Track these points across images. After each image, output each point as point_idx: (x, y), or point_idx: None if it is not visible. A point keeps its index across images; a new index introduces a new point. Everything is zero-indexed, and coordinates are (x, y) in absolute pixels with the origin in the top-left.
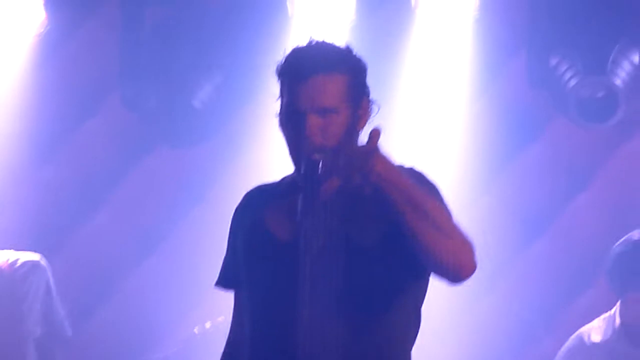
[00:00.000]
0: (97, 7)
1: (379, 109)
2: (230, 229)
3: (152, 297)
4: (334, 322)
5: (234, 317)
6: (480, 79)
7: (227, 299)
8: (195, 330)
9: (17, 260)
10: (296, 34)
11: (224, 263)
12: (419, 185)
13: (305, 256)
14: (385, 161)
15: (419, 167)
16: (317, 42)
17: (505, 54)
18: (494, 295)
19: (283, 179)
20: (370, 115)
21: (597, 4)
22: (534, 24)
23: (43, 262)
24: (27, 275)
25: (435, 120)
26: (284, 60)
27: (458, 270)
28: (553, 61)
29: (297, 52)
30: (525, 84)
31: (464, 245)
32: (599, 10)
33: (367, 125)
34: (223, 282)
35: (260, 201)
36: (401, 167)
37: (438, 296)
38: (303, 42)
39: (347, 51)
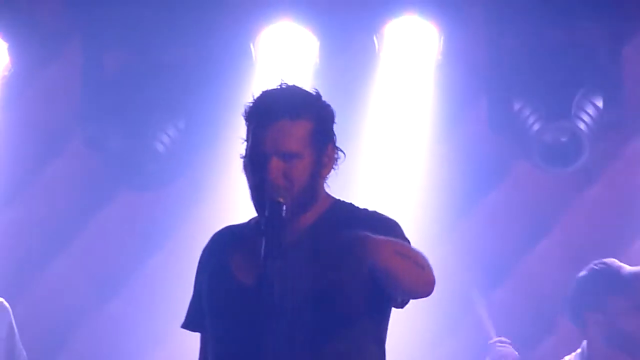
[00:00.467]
0: (59, 51)
1: (344, 156)
2: (197, 270)
3: (112, 343)
4: None
5: (200, 355)
6: (442, 123)
7: (191, 343)
8: None
9: None
10: (260, 78)
11: (190, 305)
12: (385, 230)
13: (268, 300)
14: (379, 246)
15: (380, 211)
16: (286, 87)
17: (468, 98)
18: (454, 340)
19: (250, 221)
20: (335, 162)
21: (560, 50)
22: (496, 69)
23: (6, 304)
24: None
25: (396, 164)
26: (251, 103)
27: (428, 287)
28: (516, 106)
29: (265, 96)
30: (487, 129)
31: (429, 267)
32: (561, 55)
33: (332, 171)
34: (189, 324)
35: (226, 243)
36: (364, 211)
37: (396, 342)
38: (272, 86)
39: (315, 97)
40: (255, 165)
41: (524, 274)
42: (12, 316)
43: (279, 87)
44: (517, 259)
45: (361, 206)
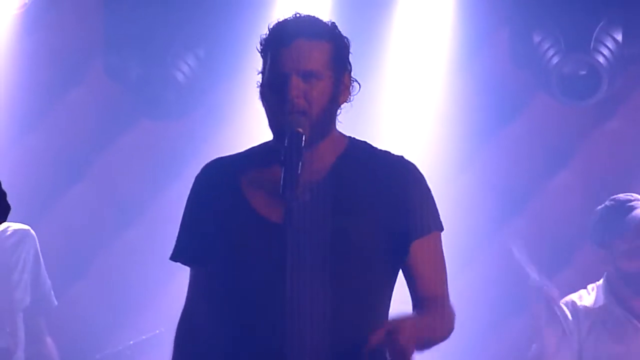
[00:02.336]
0: None
1: (360, 88)
2: (193, 201)
3: (129, 271)
4: (323, 304)
5: (191, 291)
6: (463, 55)
7: None
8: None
9: (7, 229)
10: (280, 8)
11: (182, 236)
12: (403, 184)
13: (291, 234)
14: (409, 338)
15: (408, 157)
16: (302, 14)
17: (488, 31)
18: (472, 273)
19: (250, 151)
20: (351, 92)
21: None
22: (516, 1)
23: (32, 232)
24: (17, 245)
25: (417, 96)
26: (268, 31)
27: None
28: (536, 38)
29: (281, 22)
30: (507, 62)
31: (452, 324)
32: None
33: (348, 102)
34: (182, 257)
35: (232, 173)
36: (389, 154)
37: None
38: (287, 15)
39: (332, 24)
40: (275, 87)
41: (543, 204)
42: (37, 244)
43: (294, 15)
44: (536, 190)
45: (377, 145)
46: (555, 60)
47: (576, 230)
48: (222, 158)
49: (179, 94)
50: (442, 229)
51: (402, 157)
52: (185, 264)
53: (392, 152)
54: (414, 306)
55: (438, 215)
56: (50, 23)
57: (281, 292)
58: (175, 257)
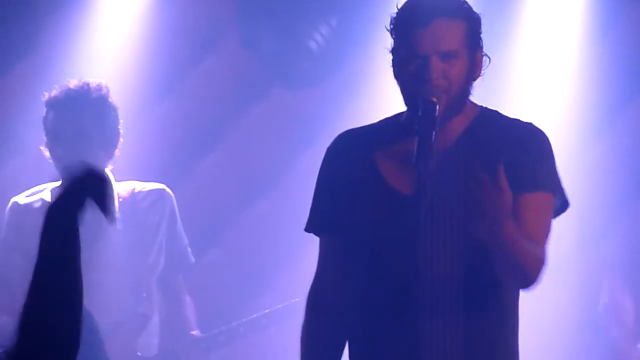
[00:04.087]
0: None
1: (489, 62)
2: (325, 172)
3: (263, 240)
4: (456, 280)
5: (323, 261)
6: (597, 26)
7: None
8: None
9: (142, 190)
10: None
11: (317, 207)
12: (530, 150)
13: (422, 205)
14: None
15: (536, 124)
16: None
17: (619, 3)
18: (601, 251)
19: (382, 123)
20: (482, 68)
21: None
22: None
23: (168, 190)
24: (152, 206)
25: (550, 67)
26: (400, 10)
27: (523, 283)
28: None
29: (413, 1)
30: (637, 35)
31: (539, 263)
32: None
33: (480, 77)
34: (318, 227)
35: (364, 144)
36: (518, 121)
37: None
38: None
39: (464, 1)
40: (414, 67)
41: None
42: (174, 202)
43: None
44: None
45: (509, 115)
46: None
47: None
48: (354, 129)
49: (312, 63)
50: (554, 193)
51: (530, 123)
52: (318, 235)
53: (522, 119)
54: None
55: (555, 179)
56: None
57: (413, 263)
58: (309, 227)
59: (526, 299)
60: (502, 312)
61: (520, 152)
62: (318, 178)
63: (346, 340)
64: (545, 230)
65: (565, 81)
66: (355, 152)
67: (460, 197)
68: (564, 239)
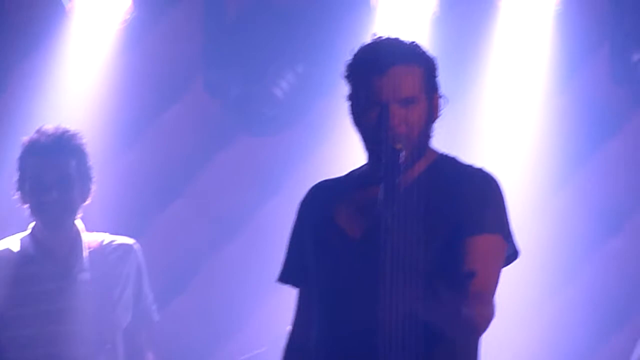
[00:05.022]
0: None
1: (447, 104)
2: (296, 223)
3: (228, 287)
4: (413, 319)
5: (297, 316)
6: (562, 73)
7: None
8: (289, 328)
9: (111, 243)
10: (379, 25)
11: (287, 258)
12: (481, 201)
13: (384, 248)
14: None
15: (488, 169)
16: (386, 38)
17: (588, 48)
18: (569, 291)
19: (349, 174)
20: (440, 110)
21: None
22: (616, 19)
23: (136, 245)
24: (120, 259)
25: (515, 114)
26: (355, 57)
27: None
28: (635, 57)
29: (368, 47)
30: (607, 79)
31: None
32: None
33: (437, 119)
34: (287, 278)
35: (329, 196)
36: (470, 167)
37: (512, 291)
38: (369, 40)
39: (417, 44)
40: (373, 115)
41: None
42: (141, 258)
43: (377, 39)
44: (634, 208)
45: (466, 161)
46: None
47: None
48: (324, 181)
49: (277, 111)
50: (503, 234)
51: (481, 168)
52: (289, 284)
53: (474, 165)
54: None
55: (504, 223)
56: (151, 39)
57: (372, 305)
58: (280, 279)
59: (491, 342)
60: (462, 350)
61: (467, 195)
62: (291, 229)
63: None
64: (494, 275)
65: (530, 128)
66: (319, 205)
67: (415, 238)
68: (530, 285)
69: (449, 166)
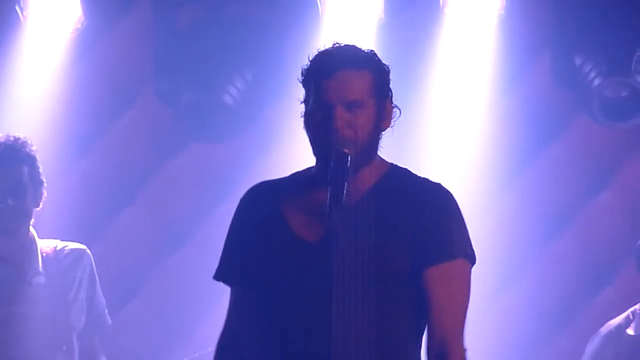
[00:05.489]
0: (130, 5)
1: (400, 113)
2: (236, 222)
3: (179, 291)
4: (365, 320)
5: (231, 311)
6: (505, 77)
7: None
8: None
9: (63, 248)
10: (326, 32)
11: (225, 257)
12: (437, 217)
13: (334, 253)
14: None
15: (445, 185)
16: (342, 44)
17: (530, 53)
18: (515, 291)
19: (293, 176)
20: (392, 118)
21: (621, 5)
22: (559, 24)
23: (88, 251)
24: (73, 264)
25: (460, 117)
26: (310, 62)
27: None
28: (577, 61)
29: (322, 53)
30: (549, 84)
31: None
32: (622, 11)
33: (389, 127)
34: (225, 276)
35: (275, 195)
36: (427, 181)
37: None
38: (327, 45)
39: (372, 52)
40: (319, 117)
41: (584, 224)
42: (93, 264)
43: (333, 45)
44: (577, 210)
45: (418, 173)
46: (596, 82)
47: (618, 250)
48: (267, 182)
49: (227, 118)
50: (468, 258)
51: (439, 184)
52: (226, 284)
53: (431, 179)
54: (427, 344)
55: (466, 243)
56: (101, 48)
57: (323, 311)
58: (217, 276)
59: None
60: (409, 351)
61: (424, 218)
62: (229, 228)
63: None
64: (466, 302)
65: (474, 132)
66: (264, 204)
67: (367, 248)
68: (475, 285)
69: (404, 178)
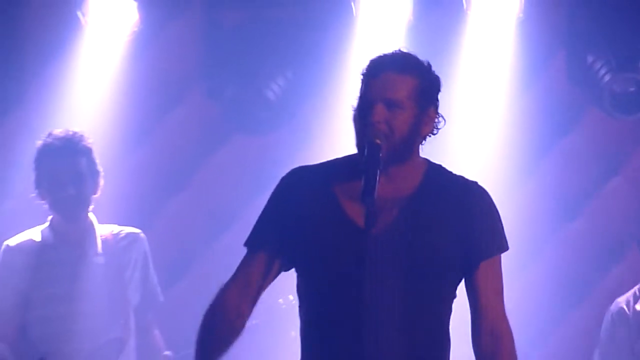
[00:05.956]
0: (181, 10)
1: (445, 123)
2: (277, 198)
3: (224, 272)
4: (395, 307)
5: (246, 273)
6: (524, 75)
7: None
8: (280, 301)
9: (120, 232)
10: (360, 33)
11: (260, 226)
12: (485, 214)
13: (373, 239)
14: None
15: (481, 184)
16: (399, 51)
17: (546, 53)
18: (533, 270)
19: (335, 161)
20: (434, 126)
21: (628, 8)
22: (572, 26)
23: (142, 234)
24: (129, 247)
25: (482, 113)
26: (368, 63)
27: None
28: (589, 59)
29: (377, 56)
30: (564, 80)
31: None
32: (630, 12)
33: (431, 134)
34: (256, 243)
35: (324, 178)
36: (464, 179)
37: None
38: (385, 51)
39: (424, 62)
40: (362, 111)
41: (596, 208)
42: (147, 246)
43: (391, 52)
44: (590, 196)
45: (448, 167)
46: (606, 78)
47: (627, 232)
48: (307, 166)
49: (269, 112)
50: (507, 250)
51: (476, 182)
52: (254, 250)
53: (466, 177)
54: (473, 314)
55: (504, 237)
56: (155, 49)
57: (364, 288)
58: (251, 243)
59: (463, 320)
60: (437, 334)
61: (472, 218)
62: (270, 201)
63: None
64: (502, 283)
65: (496, 126)
66: (313, 185)
67: (409, 241)
68: (505, 263)
69: (444, 177)
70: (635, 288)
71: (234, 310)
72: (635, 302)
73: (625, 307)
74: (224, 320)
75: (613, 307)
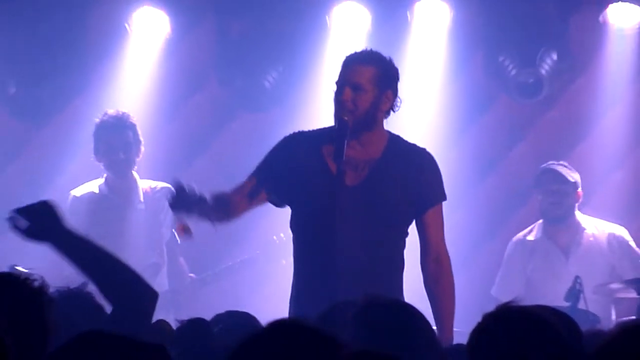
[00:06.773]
0: (200, 21)
1: (401, 103)
2: (282, 147)
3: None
4: (364, 232)
5: (244, 185)
6: (453, 69)
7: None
8: (274, 237)
9: (156, 186)
10: (333, 40)
11: (260, 165)
12: (430, 171)
13: (349, 188)
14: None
15: (429, 150)
16: (367, 49)
17: (469, 53)
18: (459, 215)
19: (323, 130)
20: (392, 105)
21: (531, 19)
22: (488, 33)
23: (172, 188)
24: (163, 196)
25: (424, 96)
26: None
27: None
28: (500, 58)
29: (351, 53)
30: (481, 74)
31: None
32: (532, 23)
33: (390, 111)
34: (254, 172)
35: (313, 140)
36: (418, 147)
37: (453, 239)
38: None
39: (382, 56)
40: (336, 94)
41: (505, 169)
42: None
43: (360, 50)
44: (501, 158)
45: (409, 139)
46: (513, 72)
47: (527, 184)
48: (304, 130)
49: (266, 96)
50: (445, 199)
51: (425, 149)
52: (257, 178)
53: (417, 144)
54: (422, 246)
55: (444, 190)
56: (181, 50)
57: (333, 220)
58: (251, 172)
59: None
60: (393, 256)
61: (422, 175)
62: (272, 151)
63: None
64: (443, 222)
65: (432, 107)
66: (306, 144)
67: (377, 192)
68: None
69: (402, 144)
70: (532, 226)
71: (234, 197)
72: (528, 234)
73: (520, 238)
74: (229, 198)
75: (514, 238)
